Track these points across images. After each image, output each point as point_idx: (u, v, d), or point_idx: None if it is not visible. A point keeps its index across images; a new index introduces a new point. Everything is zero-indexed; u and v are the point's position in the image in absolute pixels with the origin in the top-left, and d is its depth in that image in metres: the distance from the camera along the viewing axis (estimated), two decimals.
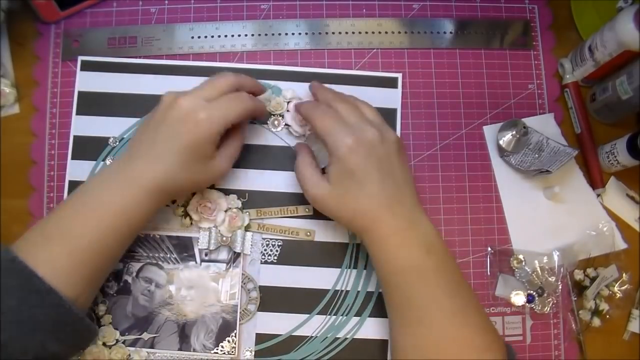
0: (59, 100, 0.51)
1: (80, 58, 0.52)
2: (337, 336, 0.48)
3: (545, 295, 0.50)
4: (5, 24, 0.51)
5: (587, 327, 0.50)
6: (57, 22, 0.53)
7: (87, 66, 0.52)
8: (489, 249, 0.51)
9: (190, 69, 0.52)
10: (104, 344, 0.47)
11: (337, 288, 0.49)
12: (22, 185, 0.50)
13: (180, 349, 0.47)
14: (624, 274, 0.51)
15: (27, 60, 0.52)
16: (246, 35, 0.53)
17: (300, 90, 0.52)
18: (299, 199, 0.49)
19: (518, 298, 0.50)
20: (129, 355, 0.47)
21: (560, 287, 0.50)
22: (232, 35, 0.53)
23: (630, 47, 0.46)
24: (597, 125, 0.54)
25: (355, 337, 0.49)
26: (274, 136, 0.51)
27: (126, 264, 0.48)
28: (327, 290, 0.49)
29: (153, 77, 0.52)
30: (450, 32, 0.54)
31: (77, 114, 0.51)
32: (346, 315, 0.49)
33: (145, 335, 0.47)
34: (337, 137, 0.41)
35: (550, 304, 0.50)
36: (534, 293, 0.50)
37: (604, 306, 0.50)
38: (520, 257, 0.51)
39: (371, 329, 0.49)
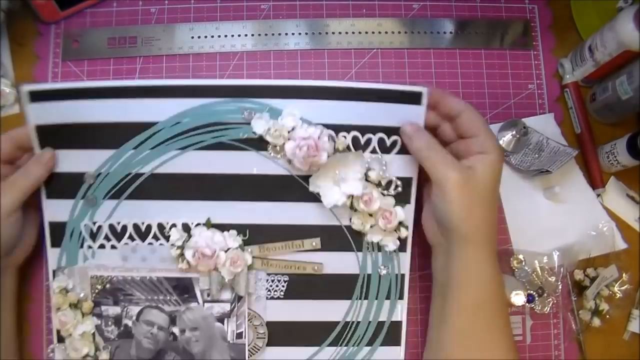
0: None
1: (26, 88, 0.42)
2: None
3: (545, 295, 0.50)
4: (5, 24, 0.51)
5: (587, 327, 0.50)
6: (57, 22, 0.53)
7: (38, 96, 0.42)
8: None
9: (162, 90, 0.44)
10: None
11: (347, 319, 0.47)
12: None
13: None
14: (624, 274, 0.51)
15: (27, 60, 0.52)
16: (246, 35, 0.53)
17: (304, 110, 0.44)
18: (306, 230, 0.46)
19: (518, 298, 0.50)
20: None
21: (560, 287, 0.50)
22: (232, 35, 0.53)
23: (630, 47, 0.46)
24: (597, 125, 0.54)
25: None
26: (273, 164, 0.45)
27: (124, 307, 0.46)
28: (337, 322, 0.47)
29: (123, 101, 0.43)
30: (450, 32, 0.54)
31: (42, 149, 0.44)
32: (357, 346, 0.47)
33: None
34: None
35: (550, 304, 0.50)
36: (534, 293, 0.50)
37: (604, 306, 0.50)
38: (520, 257, 0.50)
39: (383, 358, 0.47)
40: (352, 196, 0.44)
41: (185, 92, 0.43)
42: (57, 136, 0.43)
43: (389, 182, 0.45)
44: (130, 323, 0.46)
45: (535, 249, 0.51)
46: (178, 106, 0.44)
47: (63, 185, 0.44)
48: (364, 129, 0.44)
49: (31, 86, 0.42)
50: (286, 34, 0.53)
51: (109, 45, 0.52)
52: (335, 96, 0.44)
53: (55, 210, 0.45)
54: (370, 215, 0.45)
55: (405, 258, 0.47)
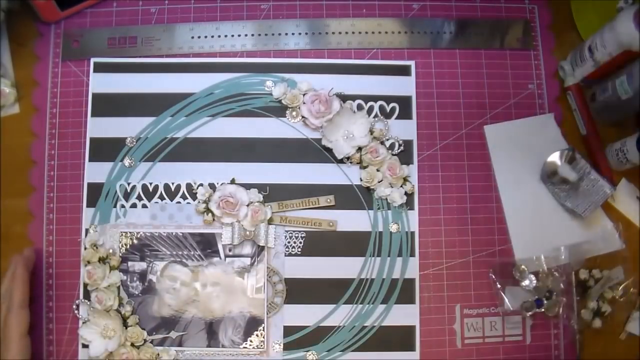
0: (59, 100, 0.51)
1: (92, 60, 0.52)
2: (365, 324, 0.49)
3: (554, 297, 0.50)
4: (5, 24, 0.51)
5: (588, 327, 0.50)
6: (57, 22, 0.53)
7: (100, 68, 0.52)
8: (491, 275, 0.51)
9: (199, 66, 0.52)
10: (132, 344, 0.47)
11: (362, 277, 0.50)
12: (22, 185, 0.50)
13: (209, 346, 0.48)
14: (630, 279, 0.51)
15: (27, 60, 0.52)
16: (246, 35, 0.53)
17: (315, 82, 0.52)
18: (320, 189, 0.51)
19: (529, 306, 0.50)
20: (158, 354, 0.47)
21: (564, 283, 0.50)
22: (232, 35, 0.53)
23: (631, 47, 0.46)
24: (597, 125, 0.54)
25: (382, 324, 0.49)
26: (291, 129, 0.52)
27: (150, 263, 0.49)
28: (352, 280, 0.50)
29: (166, 75, 0.52)
30: (450, 32, 0.54)
31: (92, 116, 0.51)
32: (372, 304, 0.49)
33: (173, 334, 0.48)
34: None
35: (561, 305, 0.49)
36: (542, 298, 0.50)
37: (606, 308, 0.50)
38: (523, 267, 0.50)
39: (398, 315, 0.49)
40: (360, 148, 0.51)
41: (217, 68, 0.52)
42: (106, 104, 0.51)
43: (392, 144, 0.52)
44: (154, 279, 0.48)
45: (536, 248, 0.50)
46: (211, 80, 0.52)
47: (106, 149, 0.51)
48: (366, 98, 0.52)
49: (96, 58, 0.52)
50: (286, 34, 0.53)
51: (109, 46, 0.52)
52: (341, 71, 0.53)
53: (94, 172, 0.50)
54: (378, 170, 0.51)
55: (414, 216, 0.51)
